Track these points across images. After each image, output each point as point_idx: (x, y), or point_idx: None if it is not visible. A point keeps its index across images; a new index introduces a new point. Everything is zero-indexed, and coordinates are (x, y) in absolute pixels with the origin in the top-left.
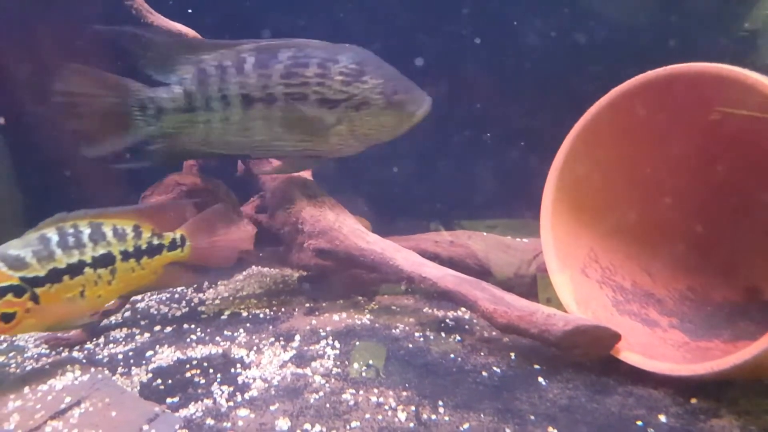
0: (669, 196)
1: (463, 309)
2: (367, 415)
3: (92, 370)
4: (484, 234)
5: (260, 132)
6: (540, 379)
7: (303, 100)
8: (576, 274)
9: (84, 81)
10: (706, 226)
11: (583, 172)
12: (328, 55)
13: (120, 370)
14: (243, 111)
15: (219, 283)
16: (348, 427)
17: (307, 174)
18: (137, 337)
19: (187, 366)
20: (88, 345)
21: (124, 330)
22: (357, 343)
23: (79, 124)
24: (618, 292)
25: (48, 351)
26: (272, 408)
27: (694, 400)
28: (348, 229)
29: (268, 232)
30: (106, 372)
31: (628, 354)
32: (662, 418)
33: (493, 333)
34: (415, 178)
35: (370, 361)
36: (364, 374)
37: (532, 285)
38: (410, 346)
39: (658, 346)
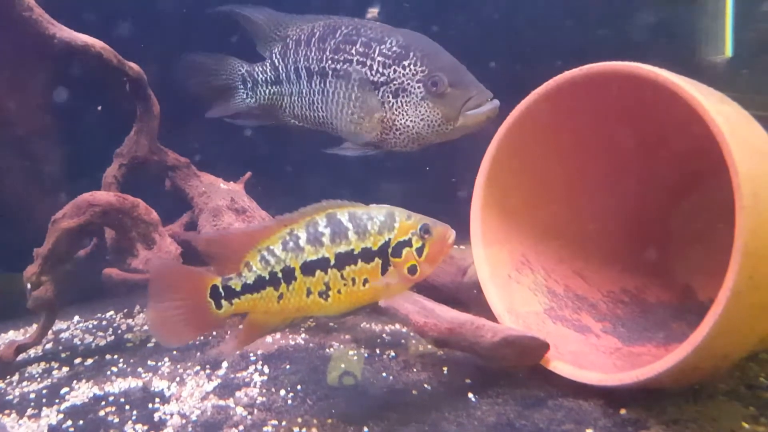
0: (600, 196)
1: None
2: None
3: None
4: None
5: (320, 107)
6: (470, 395)
7: (346, 78)
8: (507, 281)
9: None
10: (639, 226)
11: (510, 177)
12: (377, 35)
13: (29, 411)
14: (308, 84)
15: None
16: None
17: (239, 186)
18: (54, 372)
19: (103, 403)
20: (0, 384)
21: (42, 364)
22: (287, 366)
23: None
24: (550, 298)
25: None
26: None
27: (623, 411)
28: None
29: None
30: (9, 418)
31: (558, 364)
32: None
33: (429, 347)
34: None
35: (347, 370)
36: (343, 382)
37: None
38: (342, 366)
39: (590, 353)
